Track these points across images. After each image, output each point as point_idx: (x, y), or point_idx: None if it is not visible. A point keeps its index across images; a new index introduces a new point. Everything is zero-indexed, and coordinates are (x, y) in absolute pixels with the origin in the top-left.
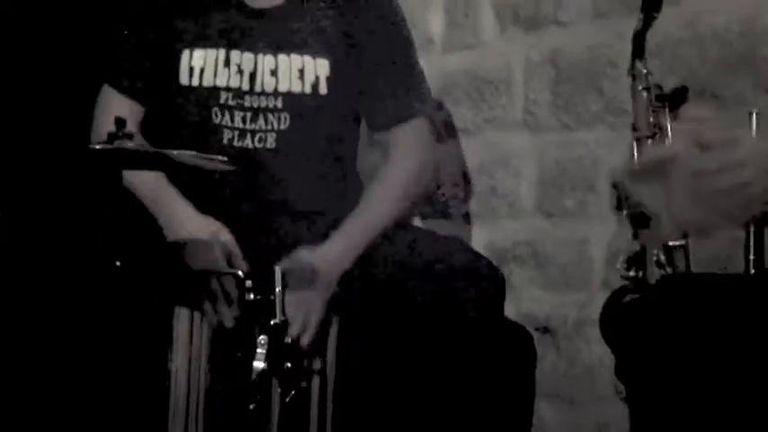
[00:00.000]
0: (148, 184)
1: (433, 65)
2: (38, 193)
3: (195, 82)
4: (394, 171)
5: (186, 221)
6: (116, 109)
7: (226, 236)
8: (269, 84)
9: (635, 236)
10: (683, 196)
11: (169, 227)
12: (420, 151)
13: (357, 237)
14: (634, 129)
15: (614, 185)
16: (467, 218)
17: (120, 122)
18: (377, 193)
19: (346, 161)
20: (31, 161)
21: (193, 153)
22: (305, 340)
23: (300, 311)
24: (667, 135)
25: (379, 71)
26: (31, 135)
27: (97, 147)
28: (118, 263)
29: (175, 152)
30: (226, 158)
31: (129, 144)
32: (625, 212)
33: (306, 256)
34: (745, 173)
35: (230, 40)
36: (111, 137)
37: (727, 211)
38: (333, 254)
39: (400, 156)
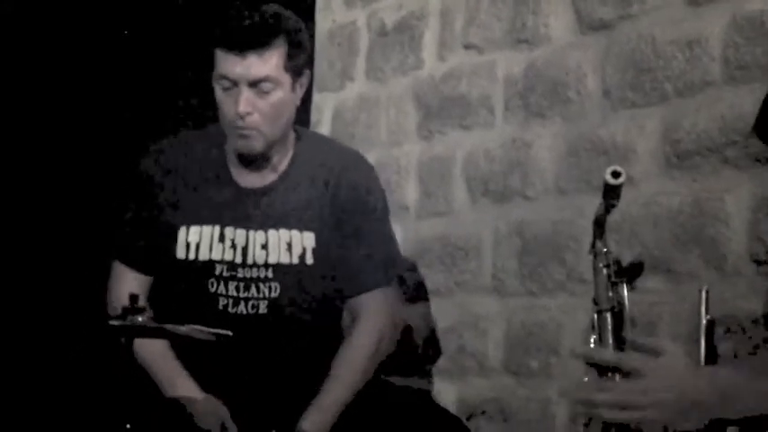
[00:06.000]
0: (158, 362)
1: (407, 230)
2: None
3: (192, 256)
4: (358, 340)
5: (188, 399)
6: (126, 281)
7: (224, 412)
8: (260, 257)
9: None
10: None
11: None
12: (383, 319)
13: (326, 418)
14: (595, 302)
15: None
16: (437, 374)
17: (133, 299)
18: (344, 364)
19: (332, 320)
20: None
21: (196, 327)
22: None
23: None
24: (625, 307)
25: (353, 246)
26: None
27: (114, 323)
28: (128, 425)
29: (182, 327)
30: (227, 332)
31: (140, 319)
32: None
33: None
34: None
35: (224, 217)
36: (125, 312)
37: None
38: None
39: (364, 324)
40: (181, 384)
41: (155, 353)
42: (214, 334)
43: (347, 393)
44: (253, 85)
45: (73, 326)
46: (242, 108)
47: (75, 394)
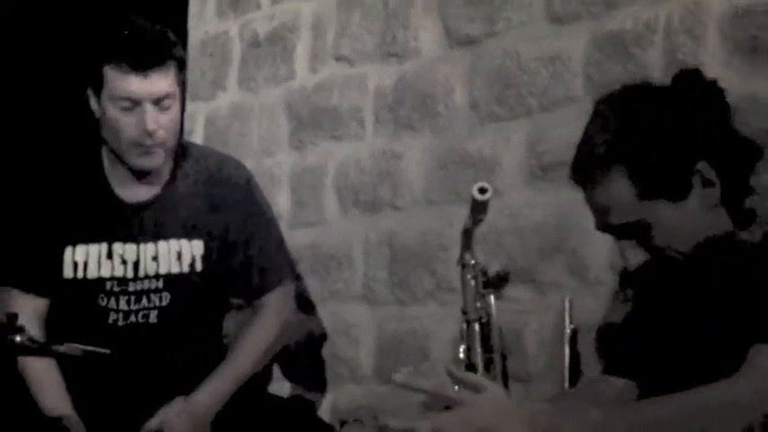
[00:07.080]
0: (38, 377)
1: None
2: None
3: (80, 275)
4: (259, 330)
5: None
6: (18, 304)
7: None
8: (151, 268)
9: None
10: None
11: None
12: (283, 314)
13: (223, 389)
14: (464, 313)
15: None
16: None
17: (10, 318)
18: (247, 341)
19: (218, 325)
20: None
21: (74, 345)
22: None
23: None
24: (493, 317)
25: (245, 252)
26: None
27: None
28: None
29: (61, 346)
30: (105, 350)
31: (18, 338)
32: None
33: (170, 409)
34: None
35: (111, 234)
36: (2, 331)
37: None
38: (203, 404)
39: (265, 317)
40: (50, 400)
41: (37, 369)
42: (92, 351)
43: (245, 369)
44: (155, 102)
45: None
46: (150, 126)
47: None
